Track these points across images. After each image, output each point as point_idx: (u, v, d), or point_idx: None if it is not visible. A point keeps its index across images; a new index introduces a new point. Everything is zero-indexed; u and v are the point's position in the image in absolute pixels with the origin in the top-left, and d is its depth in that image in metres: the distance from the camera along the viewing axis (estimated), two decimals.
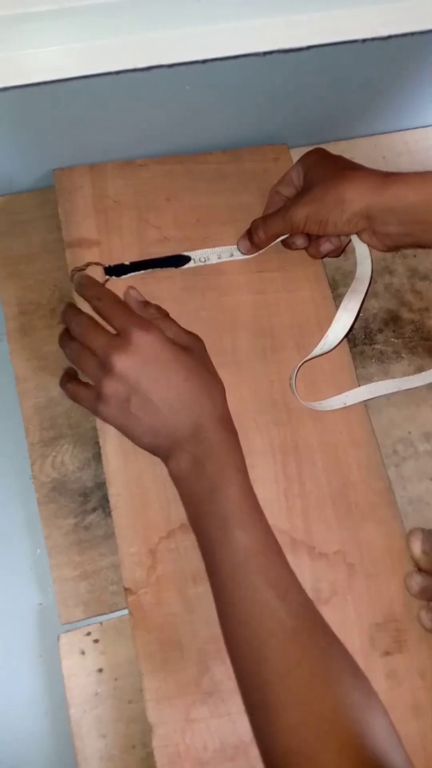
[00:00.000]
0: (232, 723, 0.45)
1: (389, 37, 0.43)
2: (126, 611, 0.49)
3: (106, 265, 0.53)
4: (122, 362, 0.44)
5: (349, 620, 0.48)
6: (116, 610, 0.50)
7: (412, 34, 0.42)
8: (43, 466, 0.52)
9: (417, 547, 0.49)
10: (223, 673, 0.46)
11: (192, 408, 0.45)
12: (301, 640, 0.41)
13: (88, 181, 0.57)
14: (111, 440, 0.50)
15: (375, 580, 0.49)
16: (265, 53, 0.41)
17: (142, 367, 0.44)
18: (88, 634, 0.49)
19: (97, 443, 0.51)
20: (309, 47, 0.41)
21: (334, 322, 0.52)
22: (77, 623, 0.49)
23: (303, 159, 0.54)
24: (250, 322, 0.55)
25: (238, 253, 0.56)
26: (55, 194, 0.56)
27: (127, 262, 0.54)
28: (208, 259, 0.55)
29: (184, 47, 0.39)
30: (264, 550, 0.43)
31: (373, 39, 0.42)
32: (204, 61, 0.40)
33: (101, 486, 0.51)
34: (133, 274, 0.54)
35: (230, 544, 0.43)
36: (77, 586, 0.49)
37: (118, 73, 0.40)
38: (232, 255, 0.56)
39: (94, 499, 0.51)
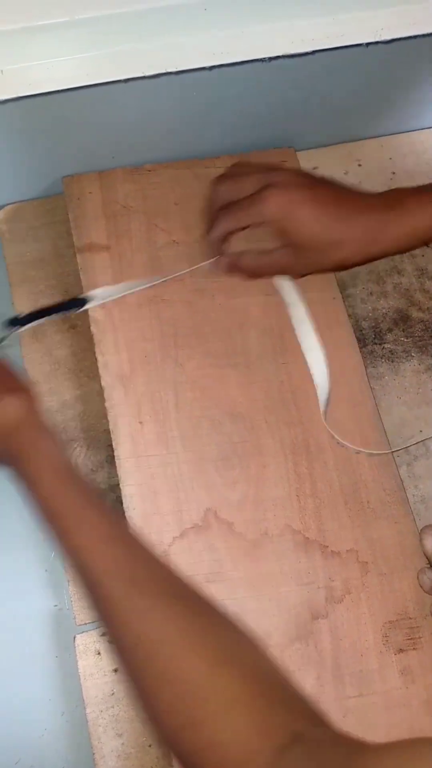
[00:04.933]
0: None
1: (392, 40, 0.43)
2: None
3: (10, 317, 0.54)
4: None
5: (362, 618, 0.48)
6: None
7: (414, 37, 0.42)
8: None
9: (429, 544, 0.49)
10: None
11: None
12: (160, 617, 0.39)
13: (98, 187, 0.57)
14: (124, 442, 0.50)
15: (388, 578, 0.49)
16: (270, 59, 0.42)
17: None
18: (104, 634, 0.50)
19: (110, 446, 0.52)
20: (313, 52, 0.42)
21: (312, 366, 0.53)
22: (93, 624, 0.50)
23: (280, 214, 0.48)
24: (259, 322, 0.55)
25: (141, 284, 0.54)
26: (64, 201, 0.57)
27: (21, 314, 0.54)
28: (95, 297, 0.54)
29: (190, 54, 0.40)
30: (97, 544, 0.41)
31: (376, 43, 0.43)
32: (210, 68, 0.41)
33: (114, 488, 0.52)
34: (31, 324, 0.54)
35: (65, 549, 0.41)
36: None
37: (126, 81, 0.40)
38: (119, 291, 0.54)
39: (107, 501, 0.52)
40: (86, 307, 0.53)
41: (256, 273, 0.53)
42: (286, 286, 0.54)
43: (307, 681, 0.46)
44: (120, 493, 0.49)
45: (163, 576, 0.41)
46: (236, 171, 0.53)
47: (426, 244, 0.50)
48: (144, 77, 0.40)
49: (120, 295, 0.54)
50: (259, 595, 0.48)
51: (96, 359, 0.52)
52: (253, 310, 0.56)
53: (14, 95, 0.40)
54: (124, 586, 0.40)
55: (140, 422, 0.51)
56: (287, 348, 0.55)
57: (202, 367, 0.53)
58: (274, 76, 0.49)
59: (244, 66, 0.42)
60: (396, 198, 0.48)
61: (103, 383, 0.52)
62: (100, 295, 0.53)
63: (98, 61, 0.40)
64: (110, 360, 0.52)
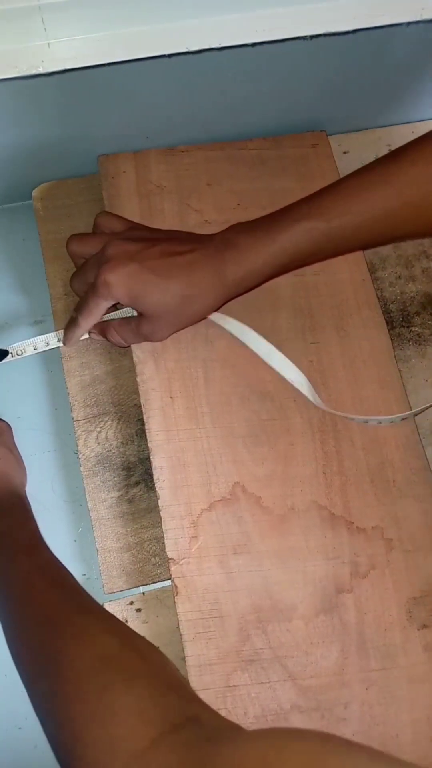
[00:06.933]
0: (272, 690, 0.46)
1: None
2: (167, 582, 0.51)
3: None
4: None
5: (387, 594, 0.49)
6: (158, 581, 0.51)
7: None
8: (87, 441, 0.53)
9: None
10: (264, 642, 0.47)
11: None
12: (74, 606, 0.43)
13: (132, 166, 0.58)
14: (155, 416, 0.51)
15: (412, 555, 0.50)
16: (312, 37, 0.42)
17: None
18: (131, 603, 0.51)
19: (140, 420, 0.53)
20: (355, 31, 0.42)
21: (280, 370, 0.53)
22: (120, 593, 0.51)
23: (118, 292, 0.47)
24: (289, 302, 0.56)
25: (53, 341, 0.54)
26: (99, 180, 0.58)
27: None
28: (25, 351, 0.54)
29: (234, 31, 0.40)
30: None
31: (417, 22, 0.43)
32: (253, 45, 0.41)
33: (144, 461, 0.53)
34: None
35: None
36: (121, 557, 0.51)
37: (170, 56, 0.41)
38: (48, 344, 0.54)
39: (137, 473, 0.53)
40: (6, 360, 0.53)
41: (121, 344, 0.52)
42: (211, 317, 0.53)
43: (332, 653, 0.47)
44: (150, 466, 0.50)
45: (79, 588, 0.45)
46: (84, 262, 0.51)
47: (274, 277, 0.50)
48: (187, 53, 0.41)
49: (38, 351, 0.54)
50: (286, 568, 0.49)
51: None
52: (283, 291, 0.56)
53: (60, 68, 0.40)
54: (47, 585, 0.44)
55: (171, 397, 0.52)
56: (316, 328, 0.55)
57: (232, 346, 0.54)
58: (312, 56, 0.50)
59: (285, 44, 0.42)
60: (231, 241, 0.48)
61: (135, 358, 0.52)
62: (17, 349, 0.53)
63: (141, 35, 0.41)
64: None
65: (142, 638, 0.42)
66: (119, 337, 0.51)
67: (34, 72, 0.40)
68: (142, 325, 0.49)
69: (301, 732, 0.31)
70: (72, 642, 0.40)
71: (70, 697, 0.37)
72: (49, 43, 0.40)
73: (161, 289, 0.46)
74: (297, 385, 0.53)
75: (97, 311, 0.49)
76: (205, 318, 0.51)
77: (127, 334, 0.51)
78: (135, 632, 0.43)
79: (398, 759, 0.27)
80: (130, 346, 0.52)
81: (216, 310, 0.51)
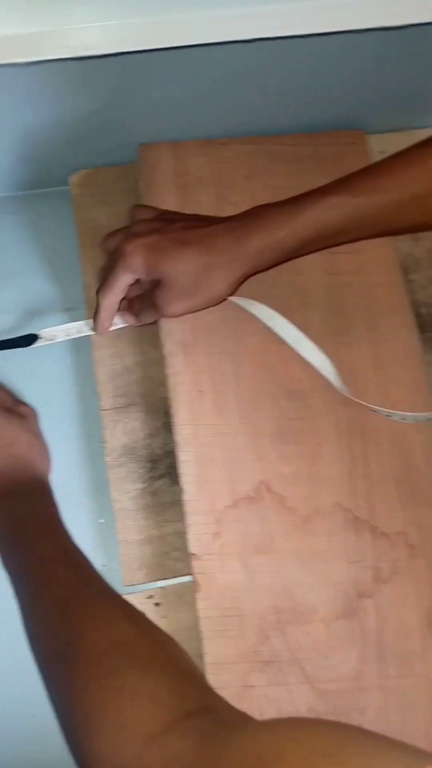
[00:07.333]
0: (289, 693, 0.46)
1: None
2: (187, 578, 0.50)
3: None
4: None
5: (408, 600, 0.48)
6: (178, 576, 0.51)
7: None
8: (114, 431, 0.53)
9: None
10: (282, 643, 0.47)
11: (15, 469, 0.49)
12: (92, 591, 0.43)
13: (170, 157, 0.58)
14: (182, 410, 0.51)
15: None
16: (364, 30, 0.41)
17: None
18: (150, 597, 0.51)
19: (167, 413, 0.52)
20: (408, 26, 0.42)
21: (307, 356, 0.52)
22: (140, 586, 0.50)
23: (132, 267, 0.47)
24: (321, 301, 0.55)
25: (86, 329, 0.53)
26: (137, 168, 0.58)
27: None
28: (56, 337, 0.53)
29: (289, 21, 0.40)
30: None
31: None
32: (305, 36, 0.41)
33: (169, 454, 0.53)
34: None
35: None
36: (142, 549, 0.51)
37: (225, 43, 0.41)
38: (80, 332, 0.53)
39: (162, 466, 0.53)
40: (36, 344, 0.52)
41: (139, 320, 0.51)
42: (239, 301, 0.53)
43: (351, 657, 0.47)
44: (175, 459, 0.50)
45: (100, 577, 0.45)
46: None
47: (296, 256, 0.49)
48: (240, 41, 0.40)
49: (70, 338, 0.53)
50: (308, 570, 0.48)
51: (159, 327, 0.53)
52: (315, 289, 0.56)
53: (114, 51, 0.40)
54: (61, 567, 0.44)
55: (199, 391, 0.51)
56: (348, 328, 0.55)
57: (263, 342, 0.53)
58: (359, 51, 0.49)
59: (338, 36, 0.41)
60: (255, 213, 0.48)
61: (164, 350, 0.52)
62: (48, 334, 0.52)
63: (195, 21, 0.40)
64: (173, 328, 0.53)
65: (160, 628, 0.42)
66: (138, 309, 0.51)
67: (86, 53, 0.39)
68: (156, 293, 0.48)
69: (316, 720, 0.31)
70: (89, 626, 0.39)
71: (84, 679, 0.37)
72: (102, 25, 0.39)
73: (177, 255, 0.46)
74: (324, 372, 0.52)
75: (116, 286, 0.48)
76: (225, 299, 0.49)
77: (145, 306, 0.50)
78: (152, 622, 0.42)
79: (407, 744, 0.26)
80: (148, 323, 0.51)
81: (236, 286, 0.49)
